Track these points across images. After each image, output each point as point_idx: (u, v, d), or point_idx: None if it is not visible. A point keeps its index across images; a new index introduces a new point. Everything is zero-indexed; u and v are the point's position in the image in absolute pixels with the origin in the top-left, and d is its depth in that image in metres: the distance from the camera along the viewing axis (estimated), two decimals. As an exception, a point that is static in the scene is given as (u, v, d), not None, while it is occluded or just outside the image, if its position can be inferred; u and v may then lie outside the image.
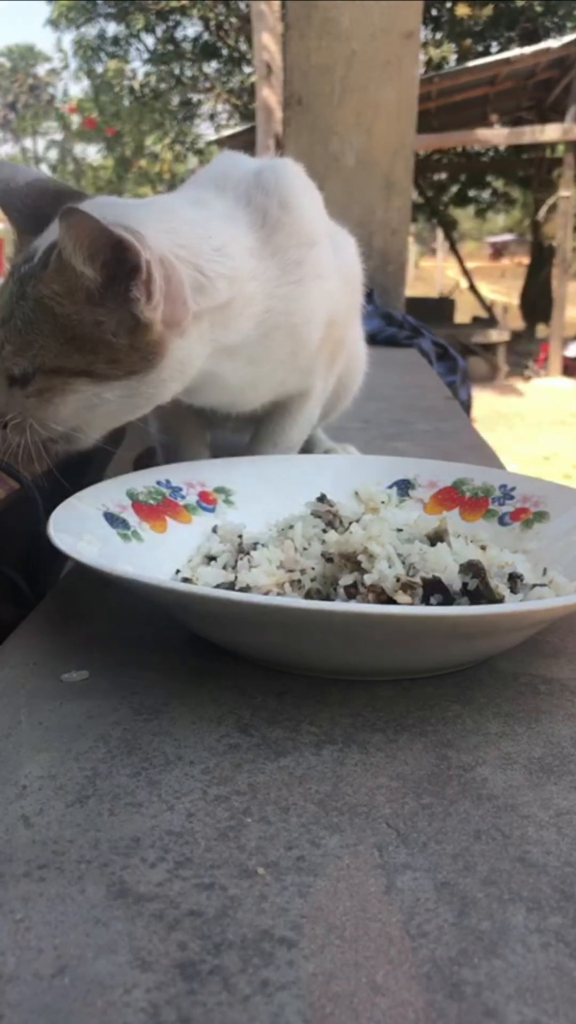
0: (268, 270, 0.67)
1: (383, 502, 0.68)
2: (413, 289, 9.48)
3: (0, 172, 0.63)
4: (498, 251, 7.88)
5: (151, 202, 0.67)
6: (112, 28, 11.13)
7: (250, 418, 0.80)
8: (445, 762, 0.41)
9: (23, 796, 0.37)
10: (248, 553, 0.55)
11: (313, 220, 0.74)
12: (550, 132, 7.77)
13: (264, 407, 0.78)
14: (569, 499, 0.64)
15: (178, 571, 0.58)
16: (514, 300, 11.42)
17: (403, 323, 2.58)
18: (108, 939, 0.29)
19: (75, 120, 11.70)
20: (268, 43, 5.67)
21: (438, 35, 9.33)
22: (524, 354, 8.84)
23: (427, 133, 6.96)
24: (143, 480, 0.65)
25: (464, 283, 11.38)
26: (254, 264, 0.66)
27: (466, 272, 11.27)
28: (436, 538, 0.55)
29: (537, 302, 9.98)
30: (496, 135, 8.24)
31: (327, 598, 0.52)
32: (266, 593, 0.51)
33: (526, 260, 11.89)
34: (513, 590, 0.52)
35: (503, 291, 13.81)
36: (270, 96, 5.57)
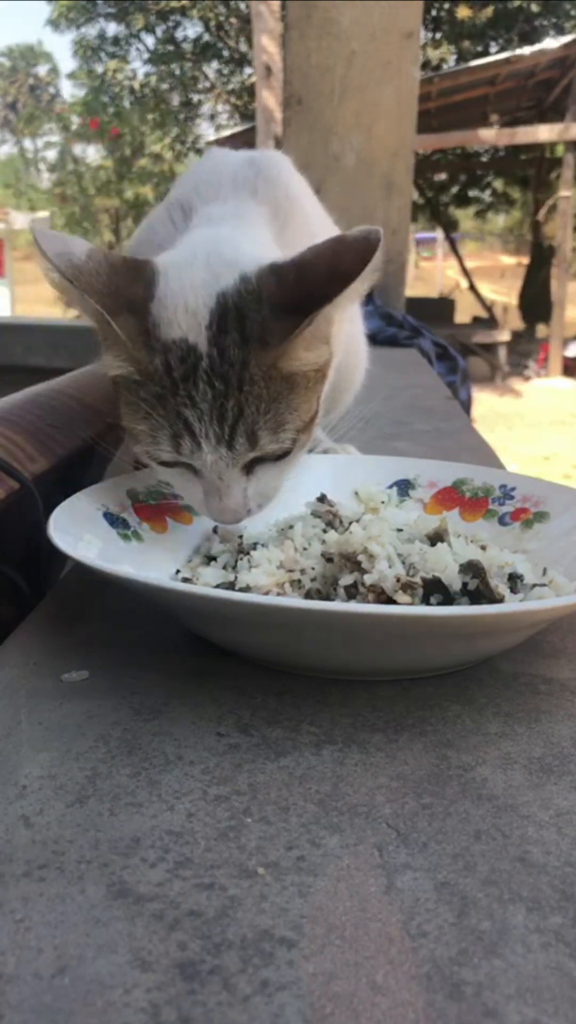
0: None
1: (383, 502, 0.68)
2: (413, 289, 9.48)
3: (55, 247, 0.53)
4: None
5: (231, 238, 0.61)
6: (112, 28, 11.15)
7: None
8: (445, 762, 0.41)
9: (23, 796, 0.37)
10: (248, 553, 0.55)
11: (314, 213, 0.74)
12: (550, 132, 7.77)
13: None
14: (569, 499, 0.64)
15: (178, 571, 0.58)
16: (514, 300, 11.42)
17: (403, 323, 2.58)
18: (108, 939, 0.29)
19: (75, 121, 11.69)
20: (268, 43, 5.67)
21: (438, 35, 9.33)
22: (524, 354, 8.84)
23: (427, 133, 6.96)
24: (143, 480, 0.65)
25: (464, 283, 11.38)
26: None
27: (466, 272, 11.27)
28: (436, 538, 0.55)
29: (537, 302, 9.97)
30: (496, 135, 8.24)
31: (327, 598, 0.52)
32: (266, 593, 0.51)
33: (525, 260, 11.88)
34: (513, 590, 0.52)
35: (503, 291, 13.80)
36: (270, 96, 5.58)
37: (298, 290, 0.52)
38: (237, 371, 0.51)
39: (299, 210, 0.70)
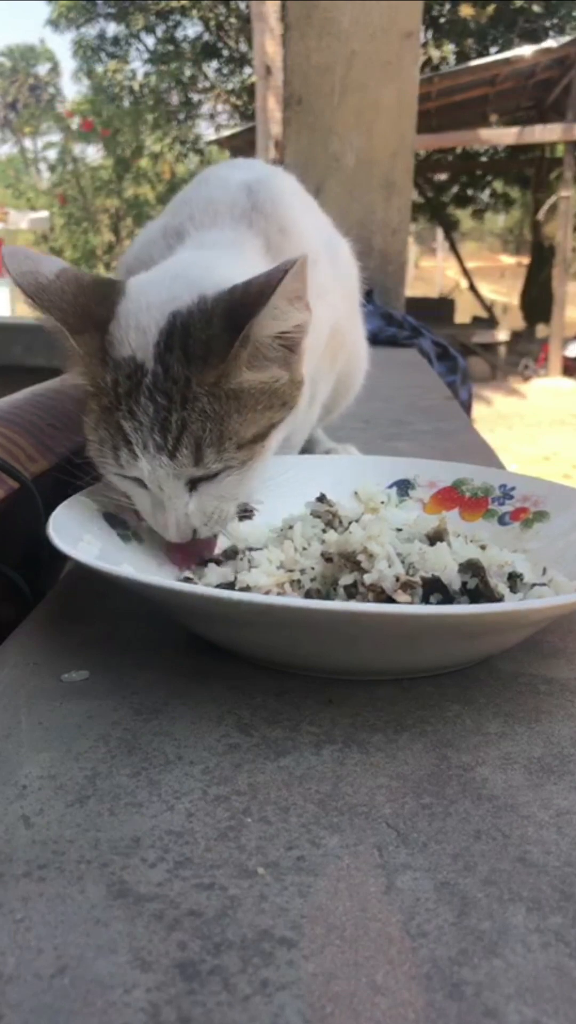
0: None
1: (383, 502, 0.68)
2: (413, 289, 9.49)
3: (21, 266, 0.54)
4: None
5: (216, 260, 0.63)
6: (112, 28, 11.15)
7: None
8: (445, 762, 0.41)
9: (23, 796, 0.37)
10: (248, 553, 0.55)
11: (311, 239, 0.74)
12: (551, 132, 7.77)
13: None
14: (569, 499, 0.64)
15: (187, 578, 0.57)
16: (514, 300, 11.42)
17: (403, 323, 2.58)
18: (108, 939, 0.29)
19: (75, 121, 11.69)
20: (268, 43, 5.67)
21: (438, 35, 9.33)
22: (524, 354, 8.84)
23: (427, 133, 6.96)
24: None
25: (464, 283, 11.38)
26: None
27: (466, 272, 11.27)
28: (436, 538, 0.55)
29: (537, 302, 9.97)
30: (496, 135, 8.24)
31: (327, 598, 0.52)
32: (266, 593, 0.51)
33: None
34: (513, 589, 0.52)
35: (503, 291, 13.80)
36: (270, 96, 5.57)
37: (239, 306, 0.53)
38: (180, 388, 0.53)
39: (292, 243, 0.70)
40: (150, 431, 0.53)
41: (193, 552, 0.58)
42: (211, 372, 0.53)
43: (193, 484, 0.55)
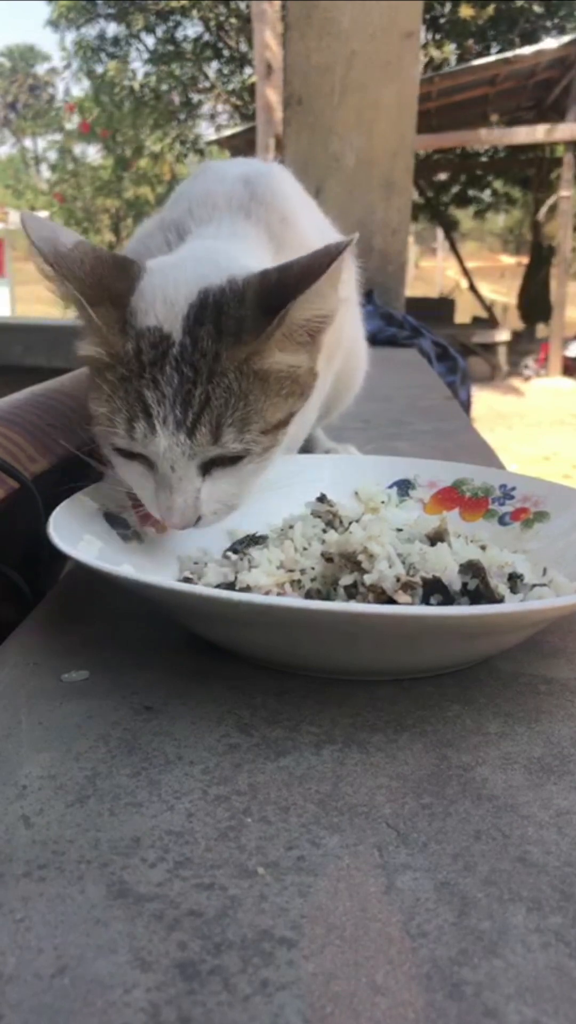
0: None
1: (383, 502, 0.68)
2: (413, 289, 9.49)
3: (41, 231, 0.53)
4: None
5: (226, 250, 0.63)
6: (112, 28, 11.14)
7: None
8: (445, 762, 0.41)
9: (23, 796, 0.37)
10: (248, 553, 0.55)
11: (309, 231, 0.74)
12: (551, 132, 7.77)
13: None
14: (569, 499, 0.64)
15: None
16: (514, 300, 11.42)
17: (403, 323, 2.58)
18: (108, 939, 0.29)
19: (74, 119, 11.70)
20: (268, 43, 5.67)
21: (438, 35, 9.33)
22: (524, 354, 8.84)
23: (427, 133, 6.96)
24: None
25: (464, 283, 11.38)
26: None
27: (466, 272, 11.27)
28: (436, 538, 0.55)
29: (537, 302, 9.98)
30: (496, 135, 8.24)
31: (327, 598, 0.52)
32: (266, 593, 0.51)
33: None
34: (513, 590, 0.52)
35: (503, 291, 13.80)
36: (270, 96, 5.57)
37: (276, 288, 0.52)
38: (208, 362, 0.51)
39: (294, 233, 0.70)
40: (172, 404, 0.51)
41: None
42: (243, 348, 0.52)
43: (207, 469, 0.53)
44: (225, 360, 0.52)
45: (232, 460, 0.53)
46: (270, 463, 0.56)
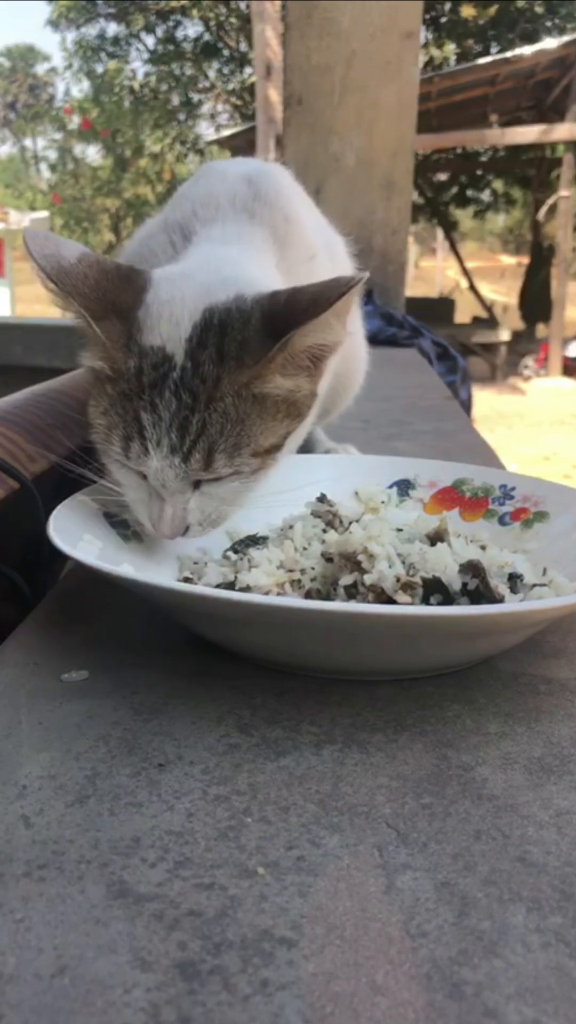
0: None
1: (383, 502, 0.68)
2: (413, 289, 9.49)
3: (44, 249, 0.53)
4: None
5: (233, 258, 0.63)
6: (112, 28, 11.15)
7: None
8: (445, 762, 0.41)
9: (23, 796, 0.37)
10: (248, 553, 0.55)
11: (312, 231, 0.74)
12: (551, 132, 7.77)
13: None
14: (569, 499, 0.64)
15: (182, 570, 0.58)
16: (514, 300, 11.42)
17: (403, 323, 2.58)
18: (108, 939, 0.29)
19: (74, 120, 11.70)
20: (268, 43, 5.67)
21: (438, 35, 9.33)
22: (524, 354, 8.84)
23: (427, 133, 6.96)
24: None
25: (464, 283, 11.38)
26: (282, 282, 0.64)
27: (466, 272, 11.27)
28: (436, 538, 0.55)
29: (537, 302, 9.98)
30: (496, 135, 8.24)
31: (327, 598, 0.52)
32: (266, 593, 0.51)
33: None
34: (513, 590, 0.52)
35: (503, 291, 13.81)
36: (270, 96, 5.58)
37: (284, 313, 0.52)
38: (208, 388, 0.52)
39: (297, 233, 0.70)
40: (168, 429, 0.51)
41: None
42: (244, 372, 0.52)
43: (196, 484, 0.54)
44: (225, 384, 0.52)
45: (222, 478, 0.54)
46: (261, 482, 0.56)
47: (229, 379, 0.52)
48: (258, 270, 0.60)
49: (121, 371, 0.53)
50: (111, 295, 0.54)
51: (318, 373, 0.56)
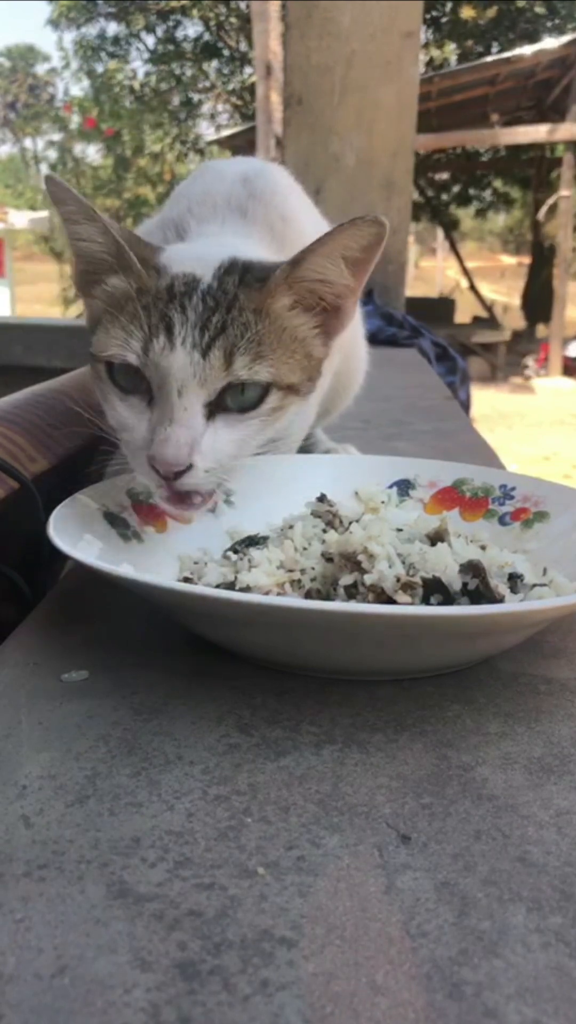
0: None
1: (383, 502, 0.68)
2: (413, 289, 9.49)
3: (70, 189, 0.58)
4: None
5: (233, 244, 0.65)
6: (112, 28, 11.14)
7: None
8: (445, 762, 0.41)
9: (23, 796, 0.37)
10: (248, 553, 0.55)
11: (310, 230, 0.74)
12: (551, 132, 7.77)
13: None
14: (569, 499, 0.64)
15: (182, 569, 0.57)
16: (514, 300, 11.43)
17: (403, 323, 2.58)
18: (108, 939, 0.29)
19: (74, 120, 11.69)
20: (268, 42, 5.66)
21: (438, 35, 9.33)
22: (524, 354, 8.84)
23: (427, 133, 6.96)
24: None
25: (464, 283, 11.38)
26: None
27: (466, 272, 11.27)
28: (436, 538, 0.55)
29: (537, 302, 9.98)
30: (497, 135, 8.24)
31: (327, 598, 0.52)
32: (266, 593, 0.51)
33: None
34: (513, 590, 0.52)
35: (503, 291, 13.81)
36: (270, 96, 5.57)
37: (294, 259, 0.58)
38: (229, 299, 0.56)
39: (295, 231, 0.70)
40: (193, 327, 0.54)
41: (187, 498, 0.56)
42: (262, 293, 0.57)
43: (212, 414, 0.55)
44: (243, 300, 0.56)
45: (239, 411, 0.56)
46: (272, 428, 0.58)
47: (247, 296, 0.57)
48: (262, 254, 0.63)
49: (150, 288, 0.57)
50: (132, 240, 0.58)
51: (328, 338, 0.61)
